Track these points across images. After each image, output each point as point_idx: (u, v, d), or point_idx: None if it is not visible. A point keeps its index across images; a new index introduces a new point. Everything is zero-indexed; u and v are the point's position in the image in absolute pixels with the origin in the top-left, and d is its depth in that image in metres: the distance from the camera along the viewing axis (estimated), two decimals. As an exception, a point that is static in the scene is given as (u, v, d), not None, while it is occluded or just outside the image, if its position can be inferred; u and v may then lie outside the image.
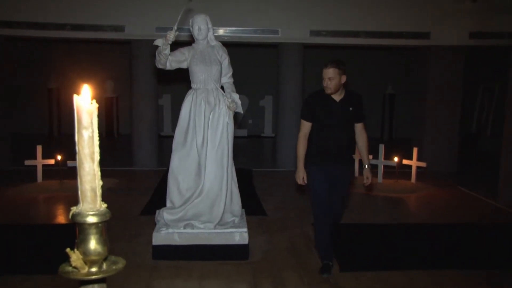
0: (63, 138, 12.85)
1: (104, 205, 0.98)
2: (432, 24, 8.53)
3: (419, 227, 5.52)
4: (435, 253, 4.61)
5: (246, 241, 4.36)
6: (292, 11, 8.41)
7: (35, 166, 7.16)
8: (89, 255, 0.95)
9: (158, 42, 4.24)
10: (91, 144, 0.92)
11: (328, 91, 3.81)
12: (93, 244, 0.96)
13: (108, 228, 3.78)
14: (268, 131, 14.07)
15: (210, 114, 4.36)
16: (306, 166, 4.03)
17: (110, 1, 8.24)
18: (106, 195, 5.39)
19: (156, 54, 4.28)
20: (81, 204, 0.95)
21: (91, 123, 0.92)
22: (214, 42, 4.57)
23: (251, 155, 10.51)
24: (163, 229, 4.33)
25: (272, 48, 10.07)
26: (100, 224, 0.97)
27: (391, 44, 8.80)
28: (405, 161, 7.58)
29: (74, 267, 0.95)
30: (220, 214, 4.40)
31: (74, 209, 0.96)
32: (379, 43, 8.76)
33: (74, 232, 3.68)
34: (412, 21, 8.51)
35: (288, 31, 8.47)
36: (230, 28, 8.32)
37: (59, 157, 7.09)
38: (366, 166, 4.03)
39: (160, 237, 4.27)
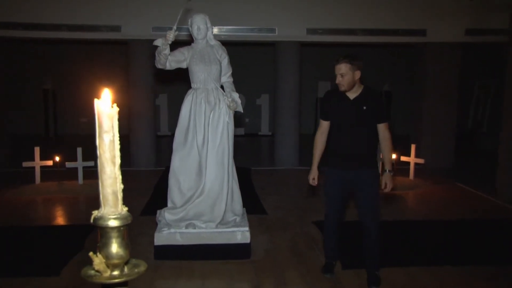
0: (60, 139, 12.79)
1: (125, 209, 0.98)
2: (428, 21, 8.56)
3: (418, 223, 5.54)
4: (434, 249, 4.64)
5: (248, 240, 4.37)
6: (289, 9, 8.41)
7: (33, 168, 7.13)
8: (111, 258, 0.96)
9: (158, 42, 4.23)
10: (112, 148, 0.92)
11: (342, 88, 3.57)
12: (115, 247, 0.96)
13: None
14: (265, 130, 14.07)
15: (210, 114, 4.36)
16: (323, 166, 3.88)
17: (106, 1, 8.21)
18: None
19: (156, 54, 4.28)
20: (102, 208, 0.95)
21: (112, 127, 0.92)
22: (213, 42, 4.57)
23: (248, 153, 10.52)
24: (165, 229, 4.33)
25: (269, 47, 10.06)
26: (122, 228, 0.97)
27: (388, 41, 8.82)
28: (403, 158, 7.60)
29: (97, 271, 0.95)
30: (221, 213, 4.40)
31: (95, 213, 0.96)
32: (376, 41, 8.78)
33: (74, 233, 3.68)
34: (409, 18, 8.53)
35: (285, 29, 8.47)
36: (227, 27, 8.31)
37: (57, 159, 7.06)
38: (387, 171, 3.68)
39: (162, 237, 4.27)
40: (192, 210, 4.37)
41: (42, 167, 7.20)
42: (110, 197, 0.94)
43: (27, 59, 13.15)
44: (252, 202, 5.98)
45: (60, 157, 7.14)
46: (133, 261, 1.03)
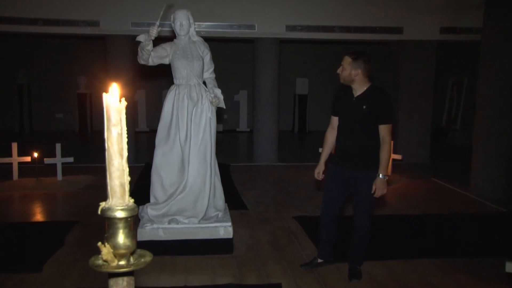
0: (36, 134, 12.57)
1: (132, 200, 1.01)
2: (405, 19, 8.73)
3: (396, 218, 5.68)
4: (413, 243, 4.77)
5: (230, 235, 4.41)
6: (268, 6, 8.46)
7: (11, 164, 7.01)
8: (118, 248, 0.98)
9: (141, 38, 4.22)
10: (120, 141, 0.95)
11: (341, 80, 3.58)
12: (122, 238, 0.99)
13: (91, 226, 3.78)
14: (243, 126, 14.11)
15: (193, 110, 4.38)
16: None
17: (84, -5, 8.11)
18: (84, 192, 5.36)
19: (139, 50, 4.26)
20: (110, 199, 0.98)
21: (120, 120, 0.94)
22: (196, 38, 4.58)
23: (227, 149, 10.54)
24: (148, 225, 4.33)
25: (247, 43, 10.10)
26: (129, 219, 1.00)
27: (365, 38, 8.95)
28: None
29: (105, 261, 0.98)
30: (204, 209, 4.43)
31: (103, 204, 0.99)
32: (354, 38, 8.90)
33: (54, 230, 3.66)
34: (385, 16, 8.69)
35: (264, 26, 8.52)
36: (207, 23, 8.30)
37: (35, 154, 6.96)
38: (380, 176, 3.52)
39: (145, 233, 4.27)
40: (174, 206, 4.38)
41: (19, 163, 7.08)
42: (117, 189, 0.97)
43: (1, 53, 12.85)
44: (232, 198, 6.02)
45: (38, 153, 7.03)
46: (139, 251, 1.06)
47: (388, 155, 3.54)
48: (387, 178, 3.56)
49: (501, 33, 6.39)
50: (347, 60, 3.49)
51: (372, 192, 3.55)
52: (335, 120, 3.79)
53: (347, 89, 3.60)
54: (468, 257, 4.39)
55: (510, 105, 6.54)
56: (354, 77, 3.50)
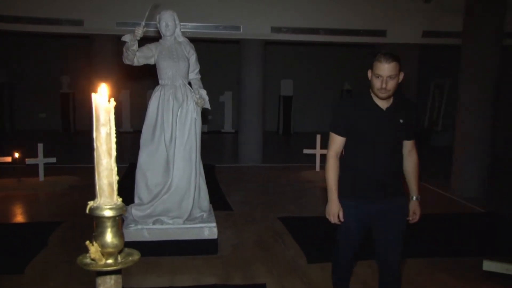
0: (18, 134, 12.40)
1: (120, 199, 1.03)
2: (388, 22, 8.85)
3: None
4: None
5: (215, 236, 4.42)
6: (254, 7, 8.50)
7: (-9, 164, 6.92)
8: (106, 247, 0.99)
9: (126, 38, 4.21)
10: (109, 141, 0.96)
11: (384, 95, 2.69)
12: (110, 237, 1.00)
13: (74, 226, 3.75)
14: (228, 127, 14.13)
15: (178, 110, 4.38)
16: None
17: (68, -6, 8.04)
18: (67, 193, 5.30)
19: (124, 50, 4.25)
20: (98, 198, 0.99)
21: (109, 120, 0.96)
22: (181, 38, 4.58)
23: (212, 150, 10.53)
24: (132, 225, 4.32)
25: (232, 44, 10.12)
26: (117, 218, 1.01)
27: (349, 41, 9.05)
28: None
29: (92, 259, 0.99)
30: (189, 209, 4.43)
31: (91, 203, 1.00)
32: (338, 40, 9.00)
33: (36, 231, 3.62)
34: (369, 20, 8.80)
35: (249, 27, 8.55)
36: (192, 24, 8.30)
37: (16, 155, 6.87)
38: (415, 198, 2.97)
39: (129, 233, 4.25)
40: (159, 206, 4.38)
41: (0, 163, 6.99)
42: (106, 188, 0.98)
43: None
44: (217, 199, 6.03)
45: (19, 153, 6.94)
46: (126, 250, 1.08)
47: (418, 172, 3.02)
48: (420, 199, 3.03)
49: (480, 37, 6.52)
50: (396, 67, 2.65)
51: (411, 218, 2.98)
52: (342, 142, 2.88)
53: (364, 100, 2.82)
54: (449, 257, 4.47)
55: (490, 108, 6.68)
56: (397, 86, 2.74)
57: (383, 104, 2.78)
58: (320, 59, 14.18)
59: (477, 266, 4.11)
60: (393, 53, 2.69)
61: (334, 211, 2.86)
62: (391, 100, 2.79)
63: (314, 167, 8.14)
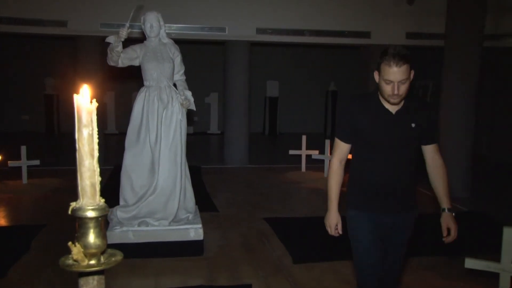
0: (0, 136, 12.23)
1: (102, 200, 1.03)
2: (372, 24, 8.94)
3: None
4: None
5: (201, 237, 4.41)
6: (239, 9, 8.52)
7: (-28, 167, 6.82)
8: (89, 248, 1.00)
9: (110, 39, 4.18)
10: (91, 142, 0.96)
11: (396, 101, 2.40)
12: (92, 237, 1.00)
13: (58, 230, 3.71)
14: (214, 128, 14.11)
15: (163, 112, 4.37)
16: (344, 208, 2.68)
17: (52, -5, 7.96)
18: (51, 196, 5.24)
19: (108, 51, 4.23)
20: (81, 199, 0.99)
21: (91, 121, 0.96)
22: (166, 40, 4.58)
23: (198, 152, 10.50)
24: (117, 227, 4.29)
25: (218, 45, 10.12)
26: (99, 218, 1.02)
27: (334, 42, 9.11)
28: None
29: (75, 260, 0.99)
30: (174, 211, 4.42)
31: (74, 204, 1.00)
32: (323, 42, 9.06)
33: (20, 234, 3.58)
34: (354, 21, 8.87)
35: (235, 28, 8.56)
36: (177, 25, 8.28)
37: (-1, 157, 6.79)
38: (446, 210, 2.65)
39: (114, 235, 4.23)
40: (144, 208, 4.36)
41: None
42: (88, 189, 0.98)
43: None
44: (203, 200, 6.02)
45: (1, 156, 6.85)
46: (109, 251, 1.08)
47: (448, 181, 2.67)
48: (453, 212, 2.69)
49: (461, 38, 6.63)
50: (407, 70, 2.36)
51: (445, 235, 2.69)
52: (346, 149, 2.61)
53: (371, 103, 2.52)
54: (433, 255, 4.53)
55: (473, 108, 6.79)
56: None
57: (392, 107, 2.47)
58: (305, 60, 14.25)
59: (459, 264, 4.16)
60: (402, 52, 2.33)
61: (331, 222, 2.66)
62: (401, 102, 2.48)
63: (300, 168, 8.18)
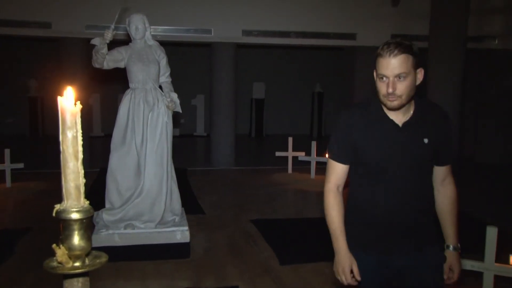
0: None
1: (87, 202, 1.03)
2: (358, 26, 9.02)
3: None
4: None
5: (187, 239, 4.41)
6: (225, 11, 8.53)
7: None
8: (74, 250, 1.00)
9: (95, 41, 4.16)
10: (75, 144, 0.96)
11: (392, 104, 1.87)
12: (77, 239, 1.00)
13: (43, 233, 3.68)
14: (200, 130, 14.09)
15: (149, 114, 4.36)
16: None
17: (36, -4, 7.87)
18: (36, 199, 5.18)
19: (93, 53, 4.21)
20: (65, 201, 0.99)
21: (75, 123, 0.96)
22: (151, 42, 4.57)
23: (184, 154, 10.47)
24: (103, 230, 4.27)
25: (203, 47, 10.12)
26: (84, 220, 1.02)
27: (320, 44, 9.17)
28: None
29: (59, 263, 0.99)
30: (160, 213, 4.41)
31: (58, 206, 1.00)
32: (309, 43, 9.11)
33: (4, 238, 3.53)
34: (339, 23, 8.94)
35: (221, 30, 8.57)
36: (163, 27, 8.26)
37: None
38: (451, 248, 2.13)
39: (100, 238, 4.20)
40: (131, 211, 4.34)
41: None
42: (72, 191, 0.98)
43: None
44: (189, 202, 6.00)
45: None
46: (94, 252, 1.08)
47: (457, 211, 2.17)
48: (459, 250, 2.16)
49: (445, 40, 6.73)
50: (406, 60, 1.82)
51: (445, 278, 2.12)
52: (343, 172, 2.07)
53: (373, 113, 2.00)
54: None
55: (457, 109, 6.89)
56: (415, 89, 1.92)
57: (398, 118, 1.95)
58: (291, 62, 14.31)
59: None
60: (402, 41, 1.83)
61: (344, 265, 2.01)
62: (410, 110, 1.96)
63: (286, 170, 8.21)
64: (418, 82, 1.91)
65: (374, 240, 2.03)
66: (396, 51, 1.80)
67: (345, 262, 2.02)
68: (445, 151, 2.06)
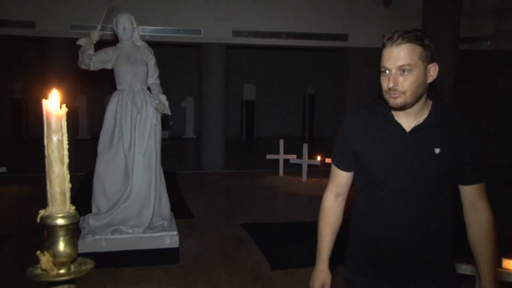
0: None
1: (73, 207, 0.97)
2: (350, 27, 9.00)
3: (343, 223, 5.78)
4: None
5: (176, 245, 4.33)
6: (215, 11, 8.47)
7: None
8: (59, 256, 0.97)
9: (82, 41, 4.08)
10: (61, 148, 0.91)
11: (395, 101, 1.61)
12: (62, 246, 0.98)
13: (27, 239, 3.57)
14: (190, 133, 13.99)
15: (137, 116, 4.28)
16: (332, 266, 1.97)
17: (20, -5, 7.72)
18: (19, 204, 5.06)
19: (79, 54, 4.12)
20: (50, 207, 0.94)
21: (61, 127, 0.91)
22: (139, 42, 4.49)
23: (173, 157, 10.38)
24: (89, 236, 4.17)
25: (193, 48, 10.05)
26: (70, 226, 0.97)
27: (311, 45, 9.15)
28: (328, 160, 7.89)
29: (44, 270, 0.94)
30: (149, 218, 4.33)
31: (43, 212, 0.94)
32: (300, 44, 9.09)
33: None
34: (331, 24, 8.93)
35: (210, 31, 8.51)
36: (151, 27, 8.18)
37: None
38: (485, 285, 1.76)
39: (86, 244, 4.09)
40: (118, 215, 4.25)
41: None
42: (58, 196, 0.93)
43: None
44: (179, 206, 5.92)
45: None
46: (80, 259, 1.04)
47: (495, 246, 1.75)
48: None
49: (437, 41, 6.75)
50: (413, 51, 1.58)
51: None
52: (344, 180, 1.88)
53: (378, 116, 1.74)
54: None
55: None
56: (427, 85, 1.65)
57: (408, 121, 1.68)
58: (282, 63, 14.28)
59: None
60: (411, 30, 1.61)
61: (315, 281, 1.93)
62: (424, 114, 1.68)
63: (278, 173, 8.16)
64: (430, 79, 1.64)
65: (371, 263, 1.80)
66: (399, 40, 1.56)
67: (317, 278, 1.93)
68: (470, 166, 1.69)
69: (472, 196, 1.73)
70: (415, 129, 1.66)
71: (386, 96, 1.63)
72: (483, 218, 1.74)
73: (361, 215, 1.82)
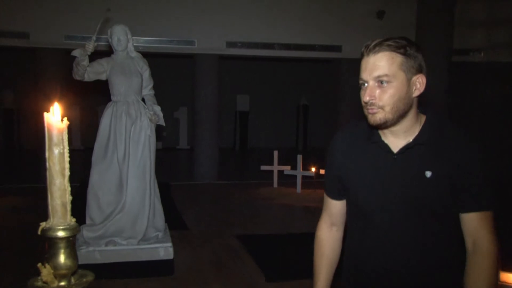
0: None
1: (74, 220, 0.97)
2: (343, 38, 9.06)
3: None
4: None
5: (171, 256, 4.32)
6: (208, 22, 8.51)
7: None
8: (59, 269, 0.98)
9: (76, 52, 4.08)
10: (62, 160, 0.93)
11: (373, 118, 1.45)
12: (63, 258, 0.99)
13: (19, 252, 3.52)
14: (183, 144, 13.98)
15: (131, 127, 4.28)
16: None
17: (13, 5, 7.69)
18: (11, 216, 4.99)
19: (74, 65, 4.13)
20: (51, 219, 0.94)
21: (62, 140, 0.92)
22: (134, 53, 4.51)
23: (167, 168, 10.35)
24: (83, 247, 4.15)
25: (186, 59, 10.07)
26: (70, 238, 0.97)
27: (305, 56, 9.20)
28: (322, 171, 7.89)
29: (44, 282, 0.94)
30: (143, 229, 4.32)
31: (44, 224, 0.95)
32: (293, 55, 9.14)
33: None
34: (325, 35, 8.99)
35: (204, 42, 8.55)
36: (145, 38, 8.20)
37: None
38: None
39: (80, 256, 3.92)
40: (112, 227, 4.24)
41: None
42: (59, 209, 0.94)
43: None
44: (172, 217, 5.89)
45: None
46: (80, 271, 1.04)
47: (494, 282, 1.44)
48: None
49: (430, 53, 6.83)
50: (391, 60, 1.40)
51: None
52: (336, 209, 1.71)
53: (365, 135, 1.55)
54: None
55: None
56: (413, 99, 1.45)
57: (396, 141, 1.48)
58: (276, 74, 14.34)
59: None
60: (391, 38, 1.42)
61: None
62: (415, 131, 1.47)
63: (272, 184, 8.15)
64: (416, 92, 1.43)
65: None
66: (377, 48, 1.38)
67: None
68: (469, 191, 1.42)
69: (472, 227, 1.44)
70: (403, 150, 1.45)
71: (365, 112, 1.45)
72: (481, 256, 1.42)
73: (350, 245, 1.66)
